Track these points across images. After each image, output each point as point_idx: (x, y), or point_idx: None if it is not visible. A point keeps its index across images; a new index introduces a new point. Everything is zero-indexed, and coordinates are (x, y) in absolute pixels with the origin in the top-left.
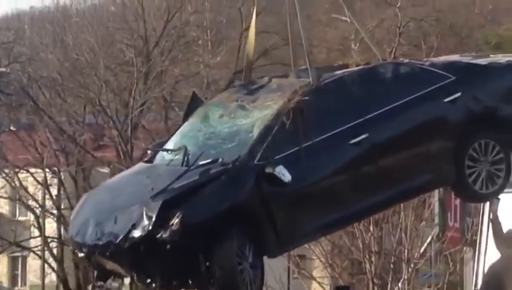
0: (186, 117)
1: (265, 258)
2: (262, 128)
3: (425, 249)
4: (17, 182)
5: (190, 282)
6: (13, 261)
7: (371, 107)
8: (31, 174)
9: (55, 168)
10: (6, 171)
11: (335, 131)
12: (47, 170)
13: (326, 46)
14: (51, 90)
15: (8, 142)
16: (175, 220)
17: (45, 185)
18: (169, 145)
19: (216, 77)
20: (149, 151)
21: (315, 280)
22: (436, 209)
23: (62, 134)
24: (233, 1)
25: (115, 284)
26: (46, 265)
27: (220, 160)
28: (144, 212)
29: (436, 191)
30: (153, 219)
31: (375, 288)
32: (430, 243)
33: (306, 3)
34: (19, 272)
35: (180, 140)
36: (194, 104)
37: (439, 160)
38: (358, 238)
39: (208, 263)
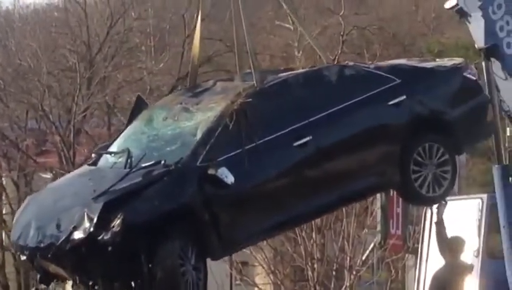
0: (130, 120)
1: (207, 264)
2: (205, 130)
3: (367, 257)
4: None
5: (132, 284)
6: None
7: (315, 110)
8: None
9: None
10: None
11: (278, 133)
12: None
13: (269, 53)
14: None
15: None
16: (116, 222)
17: None
18: (113, 148)
19: (159, 83)
20: (93, 155)
21: (257, 286)
22: (379, 217)
23: (4, 139)
24: (177, 8)
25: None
26: None
27: (163, 162)
28: (86, 213)
29: (378, 198)
30: (95, 220)
31: None
32: (372, 250)
33: (250, 10)
34: None
35: (124, 143)
36: (138, 107)
37: (384, 163)
38: (301, 245)
39: (149, 265)
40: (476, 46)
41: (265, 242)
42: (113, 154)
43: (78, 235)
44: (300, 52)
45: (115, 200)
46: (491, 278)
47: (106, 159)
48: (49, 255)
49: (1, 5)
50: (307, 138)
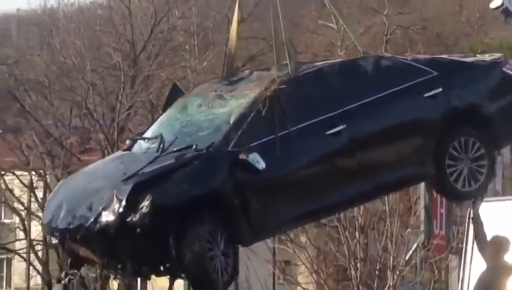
0: (165, 108)
1: (251, 263)
2: (238, 116)
3: (410, 257)
4: (2, 185)
5: (161, 268)
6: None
7: (350, 99)
8: (17, 176)
9: (41, 171)
10: None
11: (312, 121)
12: (33, 172)
13: (312, 52)
14: (37, 93)
15: None
16: (145, 203)
17: (31, 188)
18: (147, 134)
19: (202, 81)
20: (127, 141)
21: (300, 285)
22: (422, 217)
23: (48, 137)
24: (221, 6)
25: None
26: (31, 267)
27: (194, 146)
28: (115, 195)
29: (422, 198)
30: (123, 201)
31: None
32: (415, 250)
33: (293, 9)
34: (4, 274)
35: (158, 129)
36: (174, 95)
37: (418, 155)
38: (344, 244)
39: (178, 248)
40: None
41: (308, 241)
42: (146, 140)
43: (106, 216)
44: (344, 51)
45: (144, 182)
46: None
47: (140, 145)
48: (78, 237)
49: (46, 3)
50: (341, 127)
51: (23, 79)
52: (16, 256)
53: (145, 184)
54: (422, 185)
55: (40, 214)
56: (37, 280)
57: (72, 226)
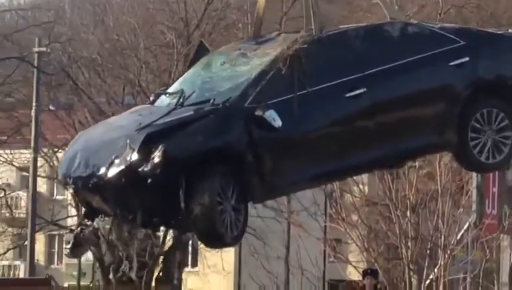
0: (191, 65)
1: (302, 243)
2: (257, 73)
3: (462, 236)
4: (55, 162)
5: (171, 220)
6: (50, 240)
7: (373, 63)
8: None
9: None
10: (45, 150)
11: (332, 83)
12: None
13: None
14: (90, 70)
15: (47, 121)
16: (157, 153)
17: None
18: (170, 90)
19: None
20: (151, 97)
21: (351, 264)
22: (474, 196)
23: (101, 114)
24: None
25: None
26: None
27: (212, 100)
28: (128, 144)
29: (474, 177)
30: (135, 151)
31: (411, 273)
32: (467, 229)
33: None
34: (56, 250)
35: (180, 85)
36: (200, 53)
37: (441, 123)
38: (395, 223)
39: (188, 201)
40: None
41: (359, 220)
42: (167, 95)
43: (118, 165)
44: None
45: (157, 132)
46: None
47: (162, 100)
48: (90, 185)
49: None
50: (361, 90)
51: (77, 57)
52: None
53: (159, 134)
54: None
55: None
56: (88, 255)
57: (84, 174)
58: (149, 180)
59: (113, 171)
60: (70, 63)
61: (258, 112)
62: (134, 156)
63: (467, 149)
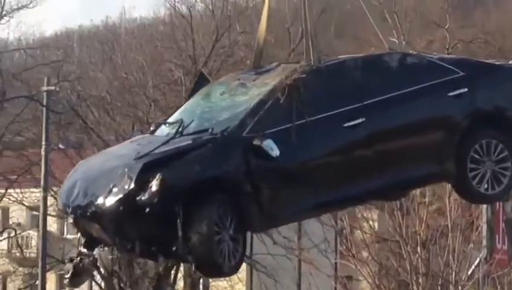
0: (191, 95)
1: (313, 280)
2: (256, 102)
3: (473, 272)
4: None
5: (169, 249)
6: (61, 279)
7: (371, 94)
8: None
9: None
10: (55, 189)
11: (330, 112)
12: None
13: None
14: (99, 108)
15: (56, 160)
16: (154, 182)
17: None
18: (170, 119)
19: None
20: (151, 127)
21: None
22: (484, 232)
23: None
24: (282, 21)
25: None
26: (93, 283)
27: (210, 130)
28: (126, 173)
29: (484, 213)
30: (133, 179)
31: None
32: (477, 265)
33: (354, 24)
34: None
35: (179, 115)
36: (200, 83)
37: (439, 153)
38: (406, 259)
39: (185, 230)
40: None
41: (370, 257)
42: (167, 125)
43: (116, 193)
44: None
45: (155, 161)
46: None
47: (162, 130)
48: (89, 214)
49: (108, 19)
50: (359, 120)
51: (86, 95)
52: None
53: (156, 163)
54: None
55: None
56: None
57: (83, 203)
58: (147, 209)
59: (111, 200)
60: (79, 101)
61: (256, 142)
62: (132, 185)
63: (466, 180)
